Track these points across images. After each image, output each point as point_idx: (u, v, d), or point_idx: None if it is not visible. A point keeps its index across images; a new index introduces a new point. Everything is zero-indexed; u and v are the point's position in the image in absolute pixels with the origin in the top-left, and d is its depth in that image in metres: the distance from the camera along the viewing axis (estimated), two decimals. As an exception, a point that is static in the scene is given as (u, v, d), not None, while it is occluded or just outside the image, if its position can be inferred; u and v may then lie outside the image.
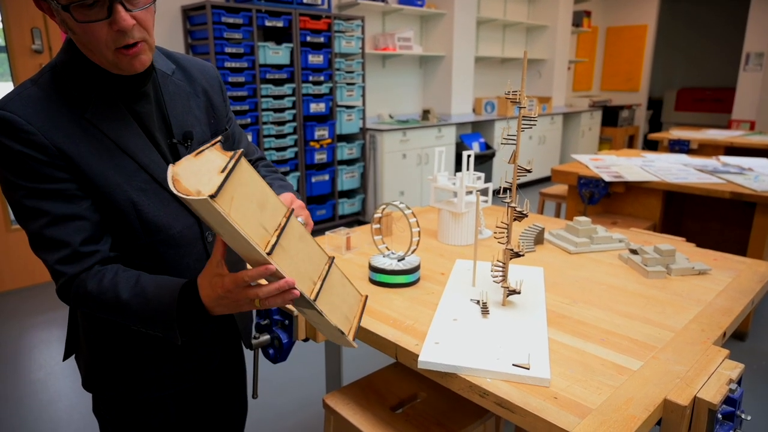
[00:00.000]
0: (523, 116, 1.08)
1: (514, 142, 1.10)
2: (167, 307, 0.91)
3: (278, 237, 0.81)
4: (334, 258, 0.94)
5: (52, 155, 0.90)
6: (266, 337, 1.23)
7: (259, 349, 1.25)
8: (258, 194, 0.80)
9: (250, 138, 3.87)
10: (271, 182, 1.21)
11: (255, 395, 1.27)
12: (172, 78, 1.08)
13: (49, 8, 0.89)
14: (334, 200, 4.69)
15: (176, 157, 1.05)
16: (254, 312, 1.32)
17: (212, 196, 0.71)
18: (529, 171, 1.11)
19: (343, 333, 0.89)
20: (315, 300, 0.86)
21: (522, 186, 6.79)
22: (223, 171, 0.74)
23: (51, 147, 0.90)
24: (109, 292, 0.92)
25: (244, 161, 0.78)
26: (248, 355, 2.33)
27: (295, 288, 0.84)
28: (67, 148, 0.91)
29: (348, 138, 4.89)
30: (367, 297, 1.02)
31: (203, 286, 0.90)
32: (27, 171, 0.89)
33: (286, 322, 1.22)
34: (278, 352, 1.23)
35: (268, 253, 0.78)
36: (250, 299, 0.86)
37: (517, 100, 1.06)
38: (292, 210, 0.87)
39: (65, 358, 1.17)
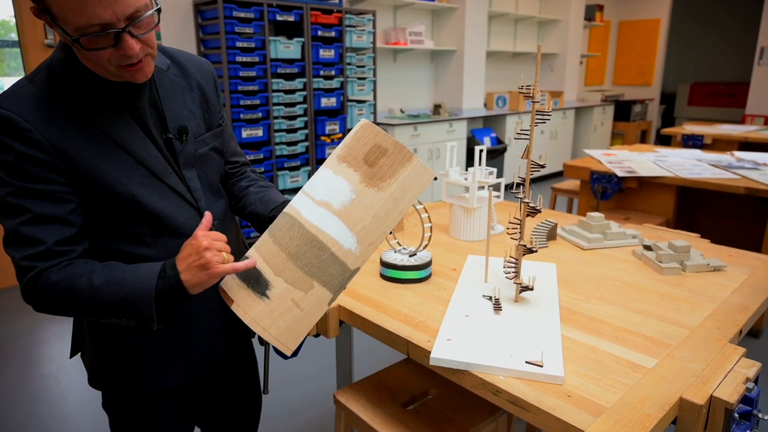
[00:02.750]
0: (537, 110, 1.07)
1: (528, 137, 1.09)
2: (144, 289, 0.92)
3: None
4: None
5: (48, 152, 0.90)
6: (277, 332, 1.22)
7: (270, 345, 1.25)
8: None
9: (260, 133, 3.89)
10: (260, 191, 1.22)
11: (266, 390, 1.27)
12: (167, 73, 1.08)
13: (49, 20, 0.87)
14: (344, 195, 4.68)
15: (171, 152, 1.06)
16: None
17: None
18: (542, 166, 1.10)
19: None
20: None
21: (534, 181, 6.75)
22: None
23: (47, 144, 0.90)
24: (83, 278, 0.91)
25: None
26: (260, 351, 2.34)
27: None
28: (63, 146, 0.91)
29: (358, 133, 4.87)
30: None
31: (179, 257, 0.93)
32: (18, 170, 0.90)
33: (298, 317, 1.22)
34: (289, 347, 1.23)
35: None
36: (213, 247, 0.91)
37: (531, 95, 1.04)
38: None
39: (72, 355, 1.18)
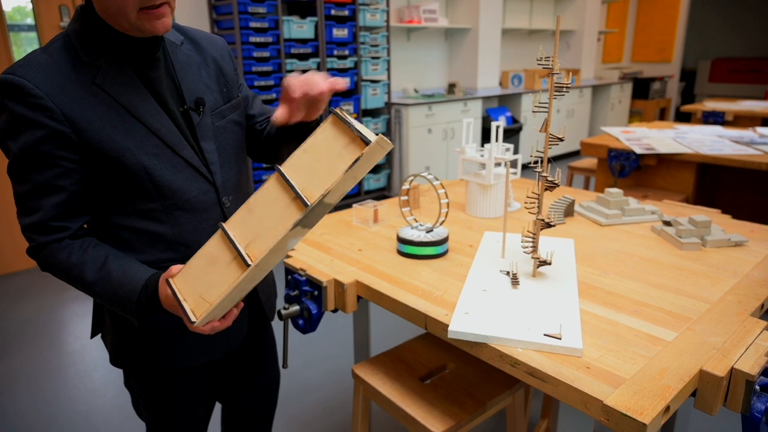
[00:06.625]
0: (556, 83, 1.05)
1: (546, 110, 1.08)
2: (128, 298, 0.96)
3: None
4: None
5: (58, 120, 0.91)
6: (296, 307, 1.24)
7: (289, 320, 1.26)
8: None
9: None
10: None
11: (285, 365, 1.29)
12: (182, 48, 1.09)
13: None
14: (359, 176, 4.68)
15: (189, 124, 1.06)
16: (280, 283, 1.32)
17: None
18: (561, 139, 1.08)
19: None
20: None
21: (550, 160, 6.68)
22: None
23: (57, 111, 0.91)
24: (75, 269, 0.96)
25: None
26: (278, 326, 2.37)
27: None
28: (73, 114, 0.92)
29: (373, 113, 4.86)
30: None
31: (162, 288, 0.94)
32: (23, 138, 0.91)
33: (315, 293, 1.23)
34: (308, 323, 1.24)
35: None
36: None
37: (550, 66, 1.03)
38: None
39: (92, 335, 1.20)
